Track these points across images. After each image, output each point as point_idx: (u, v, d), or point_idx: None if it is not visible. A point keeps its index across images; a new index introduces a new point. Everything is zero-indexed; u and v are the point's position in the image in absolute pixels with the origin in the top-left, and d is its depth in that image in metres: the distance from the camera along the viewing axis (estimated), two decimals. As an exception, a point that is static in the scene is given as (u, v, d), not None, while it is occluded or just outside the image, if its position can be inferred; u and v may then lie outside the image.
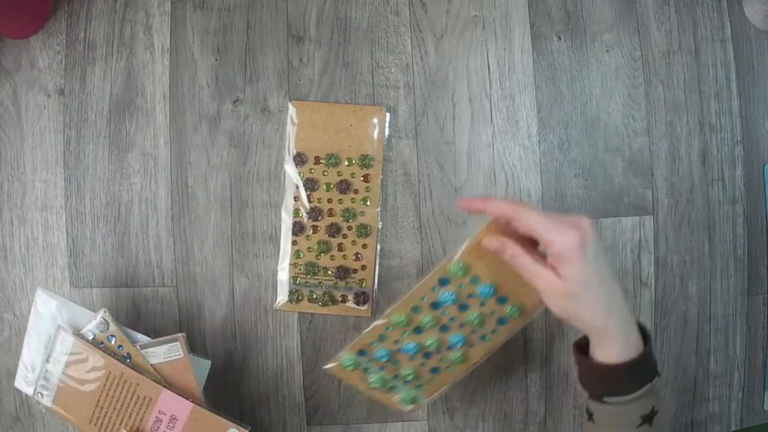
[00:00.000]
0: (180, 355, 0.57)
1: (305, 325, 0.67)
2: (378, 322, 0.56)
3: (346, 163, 0.66)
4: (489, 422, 0.67)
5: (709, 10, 0.67)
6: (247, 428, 0.56)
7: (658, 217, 0.67)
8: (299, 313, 0.67)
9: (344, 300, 0.66)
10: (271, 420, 0.67)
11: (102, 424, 0.56)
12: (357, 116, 0.66)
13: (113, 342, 0.57)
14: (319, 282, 0.66)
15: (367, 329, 0.56)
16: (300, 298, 0.66)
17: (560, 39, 0.67)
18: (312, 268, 0.66)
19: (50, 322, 0.57)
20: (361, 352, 0.57)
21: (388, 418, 0.67)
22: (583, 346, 0.51)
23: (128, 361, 0.57)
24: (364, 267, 0.66)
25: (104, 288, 0.67)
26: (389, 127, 0.66)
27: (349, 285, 0.66)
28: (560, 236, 0.47)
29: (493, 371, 0.66)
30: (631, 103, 0.67)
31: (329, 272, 0.66)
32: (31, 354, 0.58)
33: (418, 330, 0.56)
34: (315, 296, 0.66)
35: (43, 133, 0.68)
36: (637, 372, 0.49)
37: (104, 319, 0.57)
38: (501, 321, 0.56)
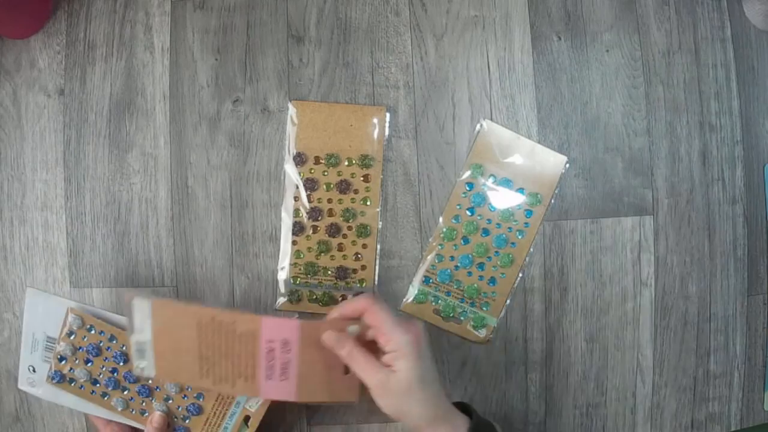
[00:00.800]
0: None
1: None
2: (431, 240, 0.65)
3: (346, 163, 0.66)
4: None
5: (709, 10, 0.67)
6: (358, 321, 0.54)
7: (658, 217, 0.67)
8: (299, 314, 0.67)
9: (344, 300, 0.66)
10: (271, 420, 0.67)
11: (214, 373, 0.53)
12: (357, 116, 0.66)
13: (104, 335, 0.56)
14: (319, 282, 0.66)
15: (425, 252, 0.65)
16: (300, 298, 0.66)
17: (560, 39, 0.67)
18: (312, 268, 0.66)
19: (44, 320, 0.57)
20: (425, 280, 0.65)
21: (388, 418, 0.67)
22: None
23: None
24: (364, 267, 0.66)
25: (104, 288, 0.67)
26: (389, 127, 0.67)
27: (349, 285, 0.66)
28: (400, 333, 0.51)
29: (493, 371, 0.66)
30: (631, 103, 0.67)
31: (329, 272, 0.66)
32: (27, 354, 0.58)
33: (465, 240, 0.65)
34: (315, 296, 0.66)
35: (43, 133, 0.68)
36: None
37: (77, 317, 0.56)
38: (528, 213, 0.65)
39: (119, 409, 0.58)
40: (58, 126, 0.68)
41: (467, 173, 0.66)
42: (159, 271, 0.67)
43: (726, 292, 0.67)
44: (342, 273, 0.66)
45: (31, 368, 0.58)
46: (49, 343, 0.57)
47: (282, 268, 0.66)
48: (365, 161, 0.66)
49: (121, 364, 0.58)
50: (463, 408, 0.55)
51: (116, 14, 0.68)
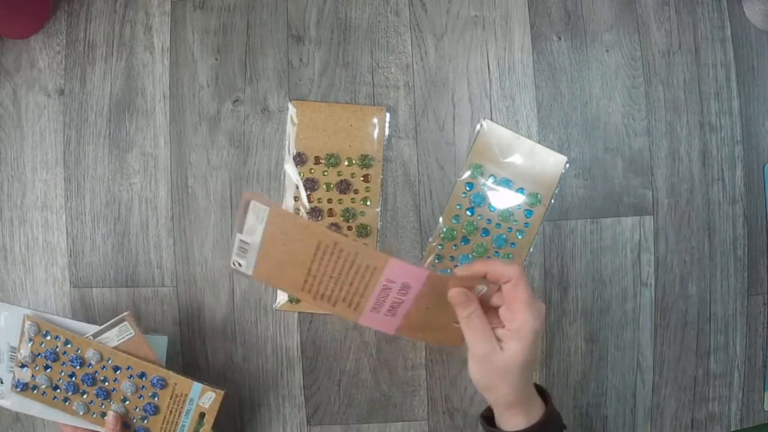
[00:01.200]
0: (132, 333, 0.57)
1: (305, 325, 0.67)
2: (431, 240, 0.65)
3: (346, 163, 0.66)
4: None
5: (709, 10, 0.67)
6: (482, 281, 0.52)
7: (658, 217, 0.67)
8: (299, 313, 0.67)
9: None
10: (271, 420, 0.67)
11: (317, 290, 0.52)
12: (357, 116, 0.66)
13: (60, 340, 0.57)
14: (319, 282, 0.66)
15: (425, 252, 0.64)
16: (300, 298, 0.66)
17: (560, 39, 0.67)
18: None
19: (7, 331, 0.57)
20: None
21: (388, 418, 0.67)
22: (489, 417, 0.53)
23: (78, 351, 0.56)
24: (364, 267, 0.66)
25: (104, 288, 0.67)
26: (389, 127, 0.67)
27: (349, 285, 0.66)
28: (531, 318, 0.49)
29: (493, 371, 0.66)
30: (631, 103, 0.67)
31: (329, 272, 0.66)
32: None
33: (465, 240, 0.65)
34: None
35: (43, 133, 0.68)
36: (545, 430, 0.51)
37: (32, 323, 0.56)
38: (528, 213, 0.65)
39: (80, 413, 0.58)
40: (58, 126, 0.68)
41: (467, 173, 0.66)
42: (159, 271, 0.67)
43: (726, 292, 0.67)
44: (342, 273, 0.66)
45: None
46: (12, 353, 0.57)
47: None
48: (365, 161, 0.66)
49: (78, 367, 0.58)
50: (540, 392, 0.53)
51: (116, 14, 0.68)
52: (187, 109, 0.67)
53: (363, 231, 0.66)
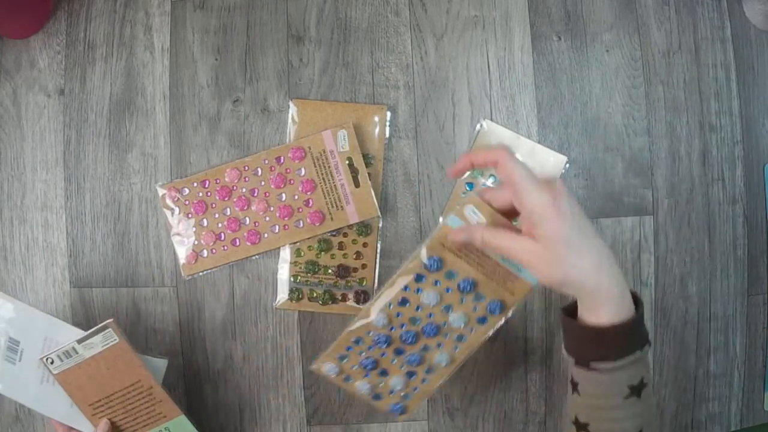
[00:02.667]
0: (116, 340, 0.57)
1: (305, 325, 0.67)
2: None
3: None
4: (489, 422, 0.66)
5: (709, 10, 0.67)
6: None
7: (658, 217, 0.67)
8: (299, 312, 0.67)
9: (344, 299, 0.66)
10: (271, 420, 0.67)
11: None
12: (358, 115, 0.66)
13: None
14: (320, 281, 0.66)
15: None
16: (300, 296, 0.66)
17: (560, 39, 0.67)
18: (312, 267, 0.66)
19: (6, 323, 0.57)
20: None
21: (388, 418, 0.67)
22: (571, 311, 0.48)
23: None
24: (364, 266, 0.66)
25: (104, 288, 0.67)
26: (389, 126, 0.66)
27: (349, 284, 0.66)
28: (537, 192, 0.45)
29: (493, 371, 0.66)
30: (631, 103, 0.67)
31: (329, 271, 0.66)
32: None
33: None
34: (315, 295, 0.66)
35: (43, 133, 0.68)
36: (628, 336, 0.46)
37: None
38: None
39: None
40: (58, 126, 0.68)
41: (467, 173, 0.66)
42: (159, 271, 0.67)
43: (726, 292, 0.67)
44: (342, 271, 0.66)
45: None
46: (11, 344, 0.57)
47: (282, 267, 0.66)
48: (366, 160, 0.66)
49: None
50: (633, 295, 0.48)
51: (116, 14, 0.68)
52: (187, 109, 0.67)
53: (363, 230, 0.66)
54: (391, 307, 0.54)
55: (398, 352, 0.56)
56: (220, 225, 0.66)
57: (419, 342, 0.55)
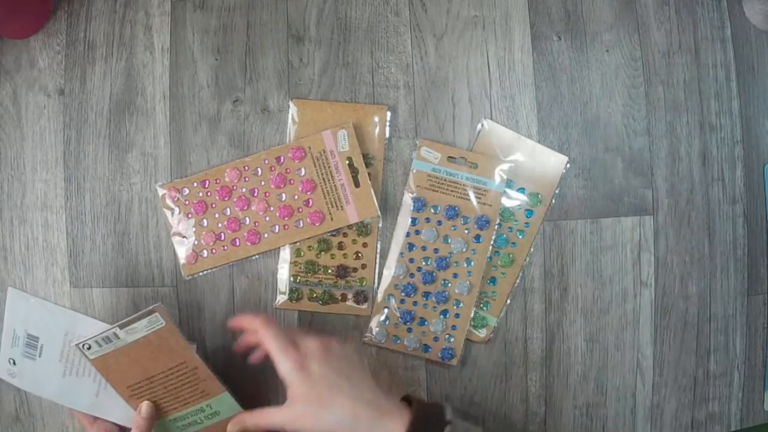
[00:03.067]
0: (162, 323, 0.56)
1: (305, 325, 0.67)
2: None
3: (347, 161, 0.66)
4: (489, 422, 0.66)
5: (709, 10, 0.67)
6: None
7: (658, 217, 0.67)
8: (299, 312, 0.67)
9: (344, 299, 0.66)
10: (271, 420, 0.67)
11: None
12: (358, 115, 0.66)
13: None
14: (319, 281, 0.66)
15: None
16: (300, 296, 0.66)
17: (560, 39, 0.67)
18: (312, 267, 0.66)
19: (22, 319, 0.57)
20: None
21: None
22: None
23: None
24: (364, 266, 0.66)
25: (104, 288, 0.67)
26: (389, 126, 0.67)
27: (349, 284, 0.66)
28: (281, 365, 0.52)
29: (493, 371, 0.66)
30: (631, 103, 0.67)
31: (329, 271, 0.66)
32: (8, 348, 0.58)
33: None
34: (315, 295, 0.66)
35: (43, 133, 0.68)
36: None
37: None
38: (528, 213, 0.65)
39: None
40: (58, 126, 0.68)
41: None
42: (159, 271, 0.67)
43: (726, 292, 0.67)
44: (342, 272, 0.66)
45: (11, 361, 0.58)
46: (29, 341, 0.57)
47: (282, 267, 0.66)
48: (366, 160, 0.66)
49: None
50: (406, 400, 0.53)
51: (116, 14, 0.68)
52: (187, 109, 0.67)
53: (363, 230, 0.66)
54: (404, 255, 0.65)
55: (425, 296, 0.65)
56: (220, 225, 0.66)
57: (437, 279, 0.65)
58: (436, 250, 0.65)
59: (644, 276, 0.67)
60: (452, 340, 0.65)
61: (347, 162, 0.64)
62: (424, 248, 0.65)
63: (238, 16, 0.68)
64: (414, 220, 0.65)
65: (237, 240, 0.66)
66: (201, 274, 0.66)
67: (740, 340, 0.67)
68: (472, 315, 0.65)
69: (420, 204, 0.65)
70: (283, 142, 0.67)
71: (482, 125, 0.66)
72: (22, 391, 0.67)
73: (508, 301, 0.66)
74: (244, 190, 0.65)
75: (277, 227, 0.65)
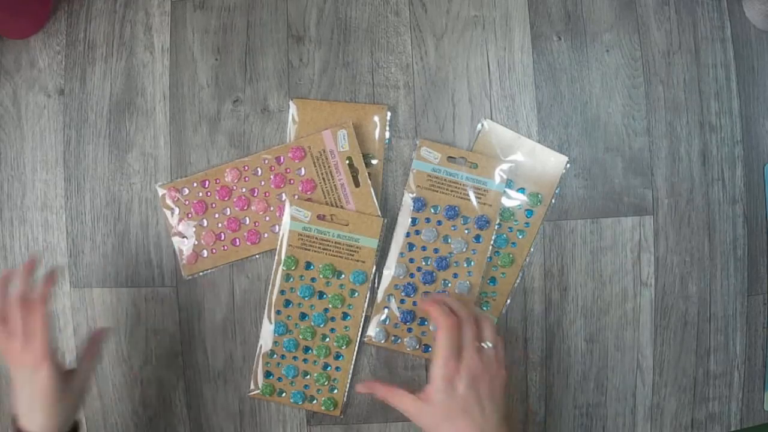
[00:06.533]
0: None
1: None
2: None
3: (347, 161, 0.66)
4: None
5: (709, 10, 0.67)
6: None
7: (658, 217, 0.67)
8: (299, 313, 0.67)
9: (344, 300, 0.66)
10: (271, 420, 0.67)
11: None
12: (358, 114, 0.66)
13: None
14: (319, 282, 0.66)
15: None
16: (300, 298, 0.66)
17: (560, 39, 0.67)
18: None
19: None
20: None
21: (388, 418, 0.67)
22: None
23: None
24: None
25: (104, 288, 0.67)
26: (389, 126, 0.66)
27: (349, 285, 0.66)
28: (437, 363, 0.53)
29: (493, 371, 0.66)
30: (631, 103, 0.67)
31: (329, 272, 0.66)
32: None
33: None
34: (315, 296, 0.66)
35: (43, 133, 0.68)
36: None
37: None
38: (528, 213, 0.65)
39: None
40: (58, 126, 0.68)
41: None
42: (159, 271, 0.67)
43: (726, 292, 0.67)
44: (342, 273, 0.66)
45: None
46: None
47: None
48: (366, 160, 0.66)
49: None
50: None
51: (116, 14, 0.68)
52: (187, 109, 0.67)
53: (363, 231, 0.66)
54: (404, 255, 0.65)
55: (426, 296, 0.64)
56: (220, 225, 0.66)
57: (437, 279, 0.65)
58: (436, 250, 0.65)
59: (644, 276, 0.67)
60: None
61: (347, 162, 0.65)
62: (424, 248, 0.65)
63: (238, 16, 0.68)
64: (414, 220, 0.65)
65: (237, 240, 0.66)
66: (201, 274, 0.66)
67: (740, 340, 0.67)
68: None
69: (420, 204, 0.65)
70: (283, 142, 0.67)
71: (482, 125, 0.66)
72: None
73: (508, 301, 0.66)
74: (244, 189, 0.65)
75: (277, 227, 0.65)
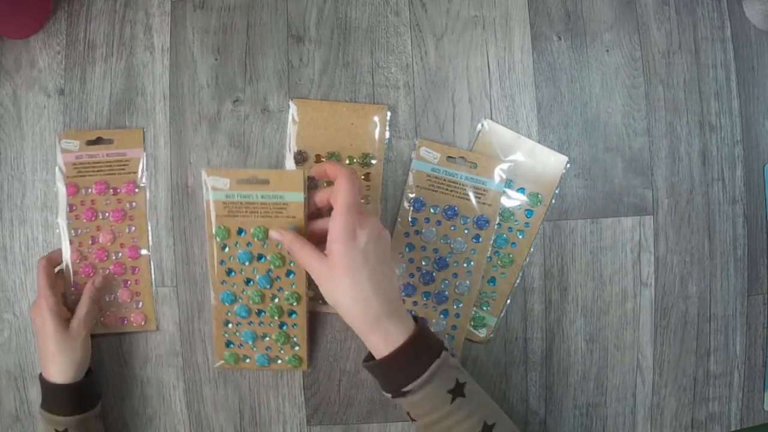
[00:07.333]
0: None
1: (305, 324, 0.67)
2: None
3: (347, 161, 0.66)
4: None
5: (709, 10, 0.67)
6: None
7: (658, 217, 0.67)
8: (299, 313, 0.67)
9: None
10: (271, 420, 0.67)
11: None
12: (358, 114, 0.66)
13: None
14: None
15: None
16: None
17: (560, 39, 0.67)
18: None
19: None
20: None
21: (388, 418, 0.67)
22: (370, 357, 0.54)
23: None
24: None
25: (104, 288, 0.67)
26: (389, 126, 0.66)
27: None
28: (341, 216, 0.51)
29: (493, 371, 0.66)
30: (631, 103, 0.67)
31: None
32: None
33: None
34: (314, 294, 0.66)
35: (43, 133, 0.68)
36: (416, 353, 0.51)
37: None
38: (528, 213, 0.65)
39: None
40: (58, 126, 0.68)
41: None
42: (159, 271, 0.67)
43: (726, 292, 0.67)
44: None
45: None
46: None
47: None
48: (366, 160, 0.66)
49: None
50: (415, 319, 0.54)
51: (116, 14, 0.68)
52: (187, 109, 0.67)
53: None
54: (403, 255, 0.65)
55: (425, 296, 0.65)
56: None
57: (437, 279, 0.65)
58: (435, 250, 0.65)
59: (644, 276, 0.67)
60: (452, 340, 0.65)
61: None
62: (423, 248, 0.65)
63: (238, 16, 0.68)
64: (413, 220, 0.65)
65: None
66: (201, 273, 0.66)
67: (740, 340, 0.67)
68: (471, 315, 0.65)
69: (419, 204, 0.65)
70: (283, 141, 0.67)
71: (482, 125, 0.66)
72: (21, 391, 0.67)
73: (508, 301, 0.66)
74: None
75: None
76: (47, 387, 0.60)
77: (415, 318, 0.54)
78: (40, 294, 0.61)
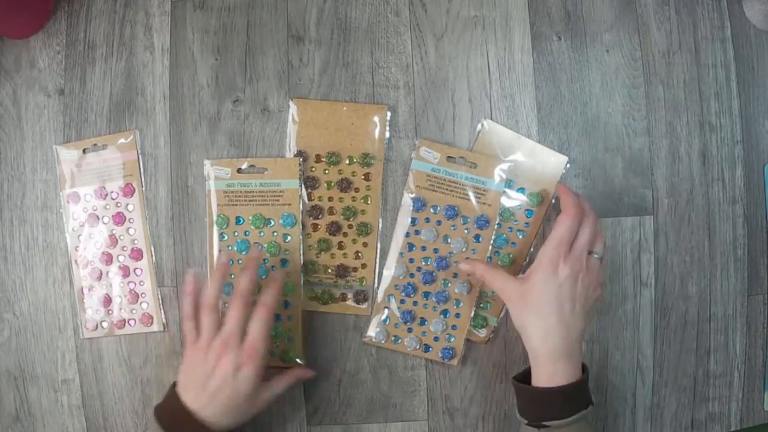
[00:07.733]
0: None
1: (305, 325, 0.67)
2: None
3: (347, 161, 0.66)
4: (489, 422, 0.66)
5: (709, 10, 0.67)
6: None
7: (658, 217, 0.67)
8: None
9: (344, 298, 0.66)
10: (271, 420, 0.67)
11: None
12: (358, 114, 0.66)
13: None
14: (319, 280, 0.66)
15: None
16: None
17: (560, 39, 0.67)
18: (312, 266, 0.66)
19: None
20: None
21: (388, 418, 0.67)
22: (520, 379, 0.57)
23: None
24: (364, 266, 0.66)
25: (104, 288, 0.67)
26: (389, 126, 0.67)
27: (349, 283, 0.66)
28: (548, 245, 0.55)
29: (493, 371, 0.66)
30: (631, 103, 0.67)
31: (329, 270, 0.66)
32: None
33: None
34: (314, 294, 0.66)
35: (43, 133, 0.68)
36: (570, 399, 0.53)
37: None
38: (528, 213, 0.65)
39: None
40: (58, 126, 0.68)
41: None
42: (159, 271, 0.67)
43: (726, 292, 0.67)
44: (342, 271, 0.66)
45: None
46: None
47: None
48: (366, 160, 0.66)
49: None
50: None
51: (116, 14, 0.68)
52: (187, 109, 0.67)
53: (363, 229, 0.66)
54: (403, 255, 0.65)
55: (425, 296, 0.65)
56: (220, 225, 0.66)
57: (437, 279, 0.65)
58: (435, 250, 0.65)
59: (644, 276, 0.67)
60: (452, 340, 0.65)
61: None
62: (423, 248, 0.65)
63: (238, 16, 0.68)
64: (414, 220, 0.65)
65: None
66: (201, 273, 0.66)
67: (740, 340, 0.67)
68: (472, 315, 0.65)
69: (420, 204, 0.65)
70: (283, 141, 0.67)
71: (482, 125, 0.66)
72: (22, 391, 0.67)
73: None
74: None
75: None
76: (191, 423, 0.54)
77: (583, 367, 0.56)
78: (253, 348, 0.55)
